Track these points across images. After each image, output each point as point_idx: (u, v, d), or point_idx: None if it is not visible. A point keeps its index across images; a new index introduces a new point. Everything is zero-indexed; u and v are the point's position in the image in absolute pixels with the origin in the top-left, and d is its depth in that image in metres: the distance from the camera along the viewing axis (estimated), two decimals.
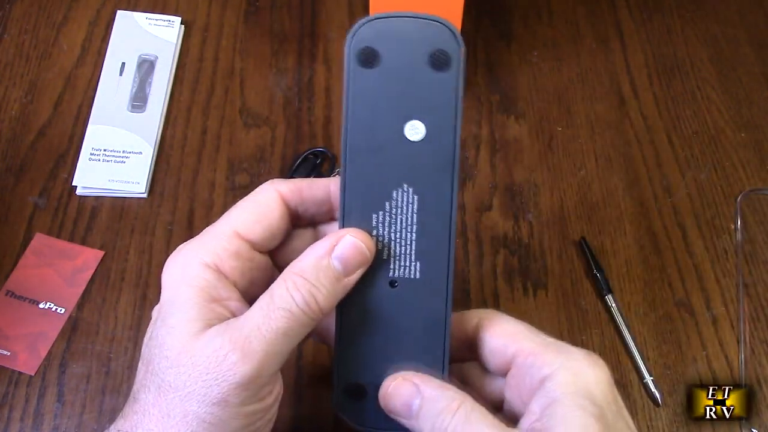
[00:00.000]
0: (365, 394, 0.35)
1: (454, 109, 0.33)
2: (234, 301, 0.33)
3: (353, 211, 0.34)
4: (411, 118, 0.34)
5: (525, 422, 0.31)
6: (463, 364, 0.37)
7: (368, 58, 0.33)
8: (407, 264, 0.34)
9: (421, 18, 0.33)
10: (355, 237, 0.32)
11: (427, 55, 0.33)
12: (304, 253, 0.33)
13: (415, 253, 0.34)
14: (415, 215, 0.34)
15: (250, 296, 0.34)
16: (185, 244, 0.34)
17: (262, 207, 0.34)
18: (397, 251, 0.34)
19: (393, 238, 0.34)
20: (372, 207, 0.34)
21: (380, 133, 0.34)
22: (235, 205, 0.35)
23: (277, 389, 0.33)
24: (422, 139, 0.34)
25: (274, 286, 0.32)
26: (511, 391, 0.34)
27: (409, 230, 0.34)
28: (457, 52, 0.33)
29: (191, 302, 0.32)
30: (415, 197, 0.34)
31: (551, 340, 0.34)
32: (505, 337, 0.34)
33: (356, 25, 0.33)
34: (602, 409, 0.30)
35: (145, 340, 0.34)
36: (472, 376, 0.37)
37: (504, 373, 0.34)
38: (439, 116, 0.33)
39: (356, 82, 0.33)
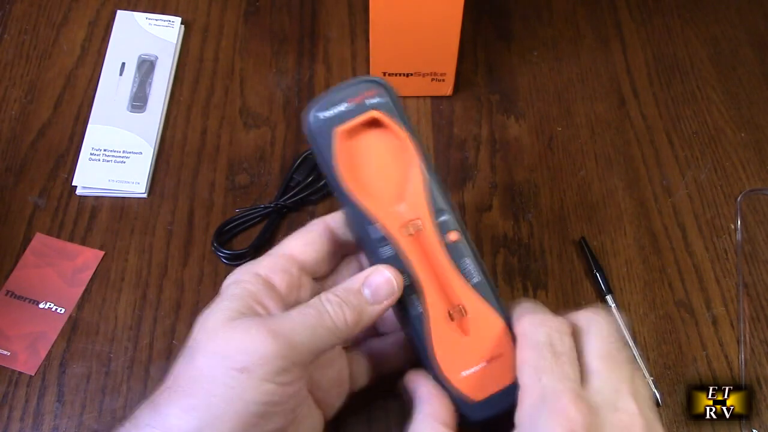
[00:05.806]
0: None
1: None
2: (275, 309, 0.37)
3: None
4: None
5: None
6: None
7: None
8: None
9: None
10: (386, 271, 0.37)
11: None
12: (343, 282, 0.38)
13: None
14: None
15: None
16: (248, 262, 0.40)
17: (312, 234, 0.40)
18: None
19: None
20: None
21: None
22: (289, 235, 0.40)
23: (298, 386, 0.35)
24: None
25: (310, 300, 0.37)
26: None
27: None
28: None
29: (236, 297, 0.36)
30: None
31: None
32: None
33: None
34: None
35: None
36: None
37: None
38: None
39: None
